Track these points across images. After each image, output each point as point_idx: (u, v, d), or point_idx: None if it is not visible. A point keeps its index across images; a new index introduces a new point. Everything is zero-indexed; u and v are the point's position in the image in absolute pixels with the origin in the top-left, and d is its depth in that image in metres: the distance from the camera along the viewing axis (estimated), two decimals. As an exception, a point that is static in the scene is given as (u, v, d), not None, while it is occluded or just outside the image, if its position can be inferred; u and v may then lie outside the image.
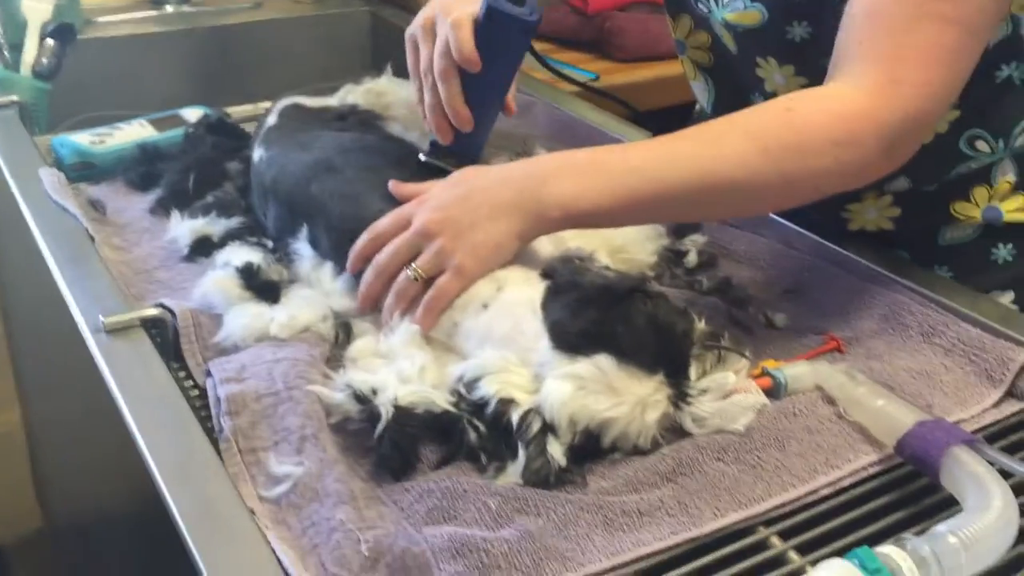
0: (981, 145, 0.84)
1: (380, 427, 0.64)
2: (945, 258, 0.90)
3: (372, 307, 0.75)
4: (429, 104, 0.85)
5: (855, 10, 0.73)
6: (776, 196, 0.74)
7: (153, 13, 1.49)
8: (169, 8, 1.52)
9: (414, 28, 0.86)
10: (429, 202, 0.74)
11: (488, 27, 0.80)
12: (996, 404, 0.71)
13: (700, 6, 0.91)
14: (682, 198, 0.71)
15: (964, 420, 0.69)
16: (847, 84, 0.72)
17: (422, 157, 0.88)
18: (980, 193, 0.87)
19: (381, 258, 0.73)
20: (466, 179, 0.75)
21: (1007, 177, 0.86)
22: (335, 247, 0.79)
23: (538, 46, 1.22)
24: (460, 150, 0.86)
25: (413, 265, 0.72)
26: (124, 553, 1.03)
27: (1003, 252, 0.88)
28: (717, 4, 0.88)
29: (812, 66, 0.82)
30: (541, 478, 0.61)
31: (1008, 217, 0.87)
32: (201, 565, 0.53)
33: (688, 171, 0.70)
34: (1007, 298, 0.89)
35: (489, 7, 0.80)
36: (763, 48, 0.87)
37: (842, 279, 0.84)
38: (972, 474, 0.58)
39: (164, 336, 0.75)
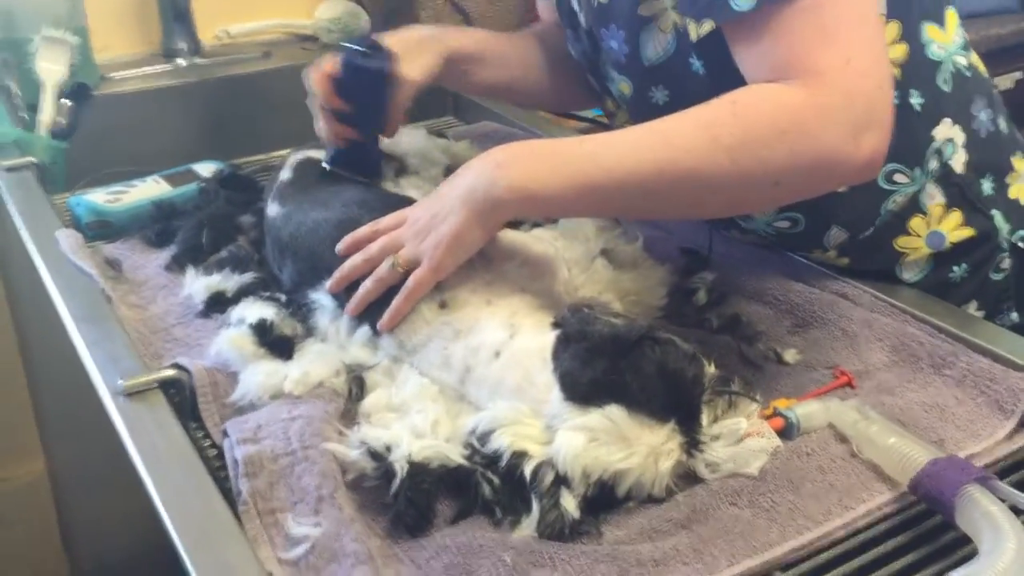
0: (900, 178, 0.86)
1: (396, 484, 0.64)
2: None
3: (345, 285, 0.80)
4: (318, 127, 0.97)
5: (740, 36, 0.74)
6: (732, 189, 0.72)
7: (167, 67, 1.52)
8: (181, 61, 1.54)
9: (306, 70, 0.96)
10: (417, 205, 0.80)
11: (346, 76, 0.93)
12: (1009, 436, 0.71)
13: (608, 84, 0.96)
14: (637, 187, 0.71)
15: (977, 454, 0.69)
16: (780, 84, 0.71)
17: (325, 166, 0.97)
18: (917, 224, 0.88)
19: (373, 248, 0.79)
20: (447, 182, 0.78)
21: (936, 201, 0.87)
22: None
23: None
24: (357, 159, 0.97)
25: (395, 256, 0.77)
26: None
27: (959, 272, 0.90)
28: (610, 80, 0.94)
29: None
30: (556, 531, 0.62)
31: (952, 238, 0.89)
32: (223, 630, 0.54)
33: (643, 160, 0.71)
34: (971, 307, 0.90)
35: (344, 61, 0.93)
36: (636, 113, 0.91)
37: (851, 311, 0.84)
38: (986, 514, 0.58)
39: (182, 395, 0.76)
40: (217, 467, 0.69)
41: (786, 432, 0.70)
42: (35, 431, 1.75)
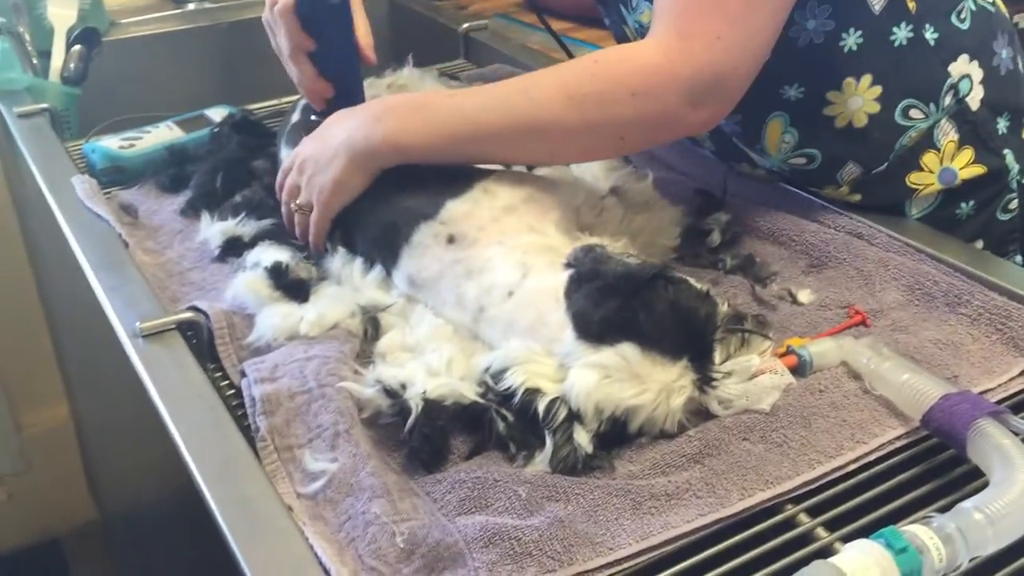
0: (915, 113, 0.86)
1: (411, 421, 0.65)
2: None
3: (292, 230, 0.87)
4: (297, 81, 0.95)
5: None
6: (582, 142, 0.78)
7: (176, 11, 1.51)
8: (191, 5, 1.53)
9: (265, 15, 0.94)
10: (301, 148, 0.85)
11: (303, 12, 0.89)
12: (1023, 372, 0.71)
13: (616, 15, 0.96)
14: (497, 139, 0.78)
15: (991, 390, 0.69)
16: (651, 40, 0.76)
17: (313, 118, 0.95)
18: (930, 159, 0.88)
19: (284, 197, 0.87)
20: (327, 124, 0.84)
21: (949, 137, 0.87)
22: (368, 243, 0.81)
23: (557, 25, 1.22)
24: (346, 102, 0.92)
25: (295, 202, 0.84)
26: (172, 544, 1.06)
27: (966, 209, 0.90)
28: (627, 9, 0.94)
29: None
30: (569, 465, 0.63)
31: (963, 174, 0.88)
32: (242, 561, 0.55)
33: (503, 114, 0.77)
34: (977, 247, 0.90)
35: None
36: None
37: (865, 251, 0.84)
38: (998, 447, 0.58)
39: (199, 337, 0.77)
40: (235, 405, 0.70)
41: (799, 369, 0.70)
42: (58, 378, 1.78)
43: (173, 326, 0.76)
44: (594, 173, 0.90)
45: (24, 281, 1.69)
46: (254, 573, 0.54)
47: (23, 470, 1.84)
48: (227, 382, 0.73)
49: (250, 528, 0.58)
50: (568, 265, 0.72)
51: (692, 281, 0.70)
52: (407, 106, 0.81)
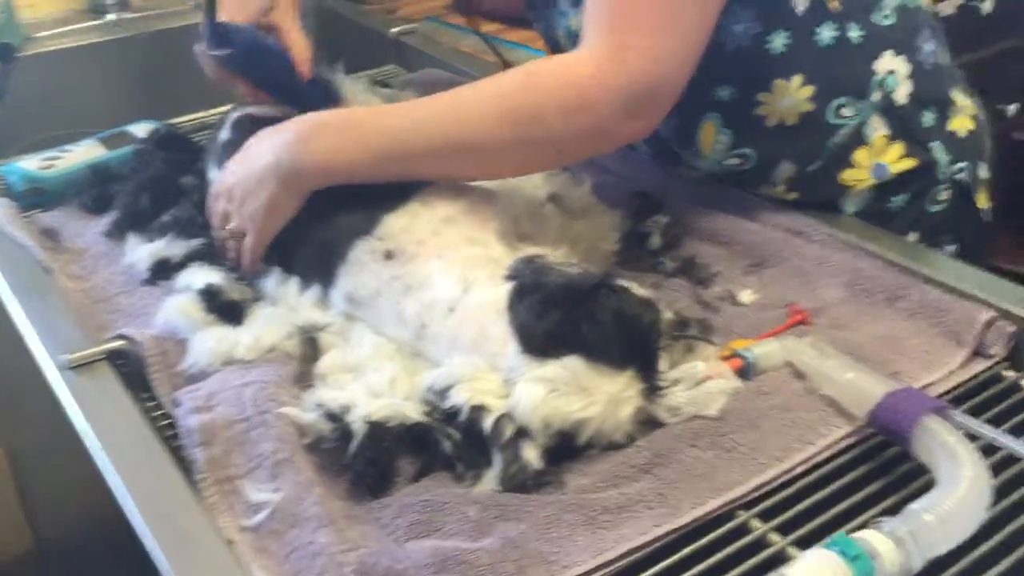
0: (846, 112, 0.87)
1: (354, 445, 0.64)
2: None
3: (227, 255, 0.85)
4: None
5: None
6: (518, 158, 0.78)
7: (95, 23, 1.46)
8: (111, 16, 1.48)
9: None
10: (225, 173, 0.84)
11: (215, 55, 0.92)
12: (963, 364, 0.71)
13: (546, 19, 0.96)
14: (428, 158, 0.77)
15: (932, 383, 0.70)
16: (583, 52, 0.75)
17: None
18: (861, 156, 0.89)
19: (215, 223, 0.85)
20: (249, 146, 0.83)
21: (880, 132, 0.88)
22: (303, 262, 0.79)
23: (487, 28, 1.21)
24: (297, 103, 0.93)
25: (226, 228, 0.83)
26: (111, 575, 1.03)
27: (897, 202, 0.91)
28: (557, 14, 0.93)
29: None
30: (518, 483, 0.62)
31: (894, 168, 0.89)
32: (185, 603, 0.53)
33: (433, 134, 0.76)
34: (910, 239, 0.92)
35: (225, 46, 0.91)
36: None
37: (804, 249, 0.84)
38: (943, 444, 0.58)
39: (131, 366, 0.74)
40: (170, 436, 0.67)
41: (744, 372, 0.70)
42: (-14, 406, 1.72)
43: (103, 356, 0.73)
44: (532, 181, 0.89)
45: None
46: (197, 615, 0.52)
47: (-47, 502, 1.77)
48: (161, 412, 0.70)
49: (190, 565, 0.56)
50: (509, 277, 0.71)
51: (635, 288, 0.69)
52: (334, 126, 0.79)
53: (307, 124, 0.79)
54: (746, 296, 0.81)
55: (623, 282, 0.68)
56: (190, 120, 1.21)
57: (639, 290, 0.69)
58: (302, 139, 0.78)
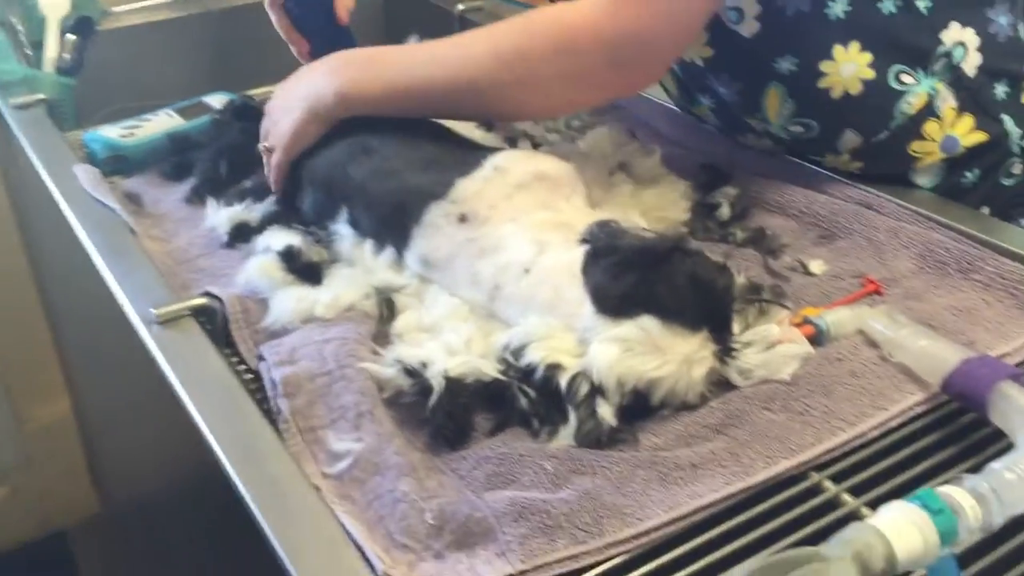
0: (906, 79, 0.86)
1: (433, 399, 0.65)
2: None
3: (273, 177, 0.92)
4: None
5: None
6: (513, 97, 0.82)
7: (167, 0, 1.50)
8: (183, -8, 1.52)
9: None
10: (274, 96, 0.93)
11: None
12: (1038, 336, 0.71)
13: None
14: (437, 94, 0.82)
15: (1008, 354, 0.69)
16: (585, 1, 0.78)
17: None
18: (931, 128, 0.88)
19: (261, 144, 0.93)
20: (296, 75, 0.91)
21: (949, 104, 0.88)
22: (377, 225, 0.80)
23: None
24: None
25: (266, 144, 0.91)
26: (186, 531, 1.06)
27: (971, 177, 0.90)
28: None
29: None
30: (593, 439, 0.63)
31: (965, 141, 0.89)
32: (275, 541, 0.55)
33: (440, 70, 0.82)
34: (985, 212, 0.91)
35: None
36: None
37: (875, 220, 0.84)
38: (1020, 408, 0.58)
39: (214, 323, 0.76)
40: (254, 390, 0.69)
41: (816, 339, 0.70)
42: (59, 371, 1.77)
43: (188, 312, 0.76)
44: (602, 149, 0.90)
45: (22, 275, 1.68)
46: (288, 552, 0.54)
47: (25, 465, 1.83)
48: (244, 367, 0.73)
49: (280, 509, 0.58)
50: (583, 241, 0.72)
51: (706, 253, 0.70)
52: (359, 60, 0.86)
53: (337, 59, 0.87)
54: (817, 266, 0.81)
55: (696, 245, 0.69)
56: (261, 92, 1.24)
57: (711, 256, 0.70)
58: (331, 72, 0.86)
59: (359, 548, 0.55)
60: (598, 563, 0.55)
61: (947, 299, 0.75)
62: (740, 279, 0.70)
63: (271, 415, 0.66)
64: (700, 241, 0.85)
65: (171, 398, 0.69)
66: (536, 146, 0.97)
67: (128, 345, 0.78)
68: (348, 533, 0.56)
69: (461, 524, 0.56)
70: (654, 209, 0.85)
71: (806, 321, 0.71)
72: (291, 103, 0.88)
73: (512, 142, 1.00)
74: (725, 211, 0.88)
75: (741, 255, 0.83)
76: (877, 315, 0.70)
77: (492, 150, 0.81)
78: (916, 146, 0.89)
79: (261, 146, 0.91)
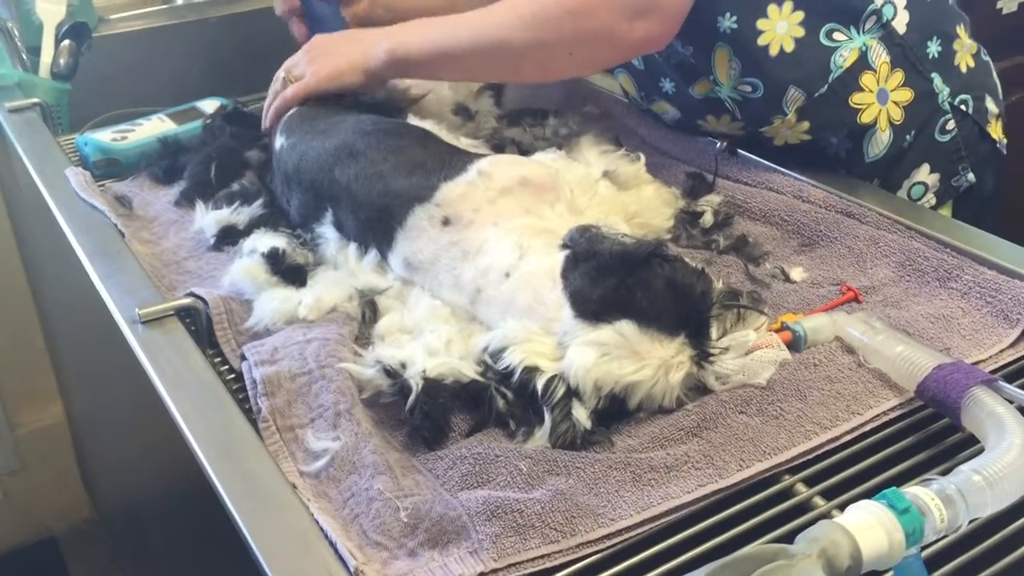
0: (837, 36, 0.91)
1: (411, 399, 0.66)
2: (872, 172, 0.97)
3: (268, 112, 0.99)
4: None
5: None
6: (538, 59, 0.89)
7: (163, 7, 1.51)
8: (179, 1, 1.53)
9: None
10: (318, 37, 0.99)
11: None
12: (1013, 344, 0.72)
13: None
14: (470, 55, 0.89)
15: (982, 361, 0.70)
16: None
17: None
18: (868, 80, 0.92)
19: (280, 70, 0.99)
20: (336, 34, 0.99)
21: (882, 59, 0.92)
22: (362, 228, 0.81)
23: None
24: None
25: (288, 72, 0.97)
26: (171, 534, 1.06)
27: (909, 138, 0.94)
28: None
29: None
30: (568, 441, 0.63)
31: (894, 96, 0.93)
32: (248, 536, 0.56)
33: (471, 32, 0.89)
34: (925, 171, 0.95)
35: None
36: None
37: (856, 229, 0.85)
38: (992, 413, 0.59)
39: (198, 324, 0.77)
40: (236, 389, 0.70)
41: (794, 344, 0.71)
42: (51, 376, 1.78)
43: (172, 312, 0.76)
44: (586, 157, 0.91)
45: (16, 279, 1.68)
46: (261, 548, 0.54)
47: (17, 469, 1.84)
48: (226, 367, 0.73)
49: (255, 505, 0.58)
50: (564, 245, 0.72)
51: (687, 259, 0.70)
52: (405, 26, 0.93)
53: (397, 25, 0.94)
54: (797, 274, 0.82)
55: (677, 251, 0.70)
56: (254, 99, 1.25)
57: (691, 262, 0.70)
58: (387, 32, 0.93)
59: (333, 545, 0.55)
60: (570, 563, 0.56)
61: (925, 307, 0.75)
62: (718, 285, 0.70)
63: (252, 414, 0.66)
64: (683, 248, 0.86)
65: (155, 398, 0.70)
66: (524, 152, 0.98)
67: (114, 346, 0.78)
68: (323, 530, 0.57)
69: (435, 522, 0.57)
70: (638, 216, 0.86)
71: (784, 327, 0.72)
72: (336, 49, 0.94)
73: (500, 148, 1.01)
74: (708, 218, 0.89)
75: (723, 262, 0.84)
76: (854, 322, 0.71)
77: (477, 155, 0.82)
78: (857, 98, 0.92)
79: (282, 73, 0.95)
